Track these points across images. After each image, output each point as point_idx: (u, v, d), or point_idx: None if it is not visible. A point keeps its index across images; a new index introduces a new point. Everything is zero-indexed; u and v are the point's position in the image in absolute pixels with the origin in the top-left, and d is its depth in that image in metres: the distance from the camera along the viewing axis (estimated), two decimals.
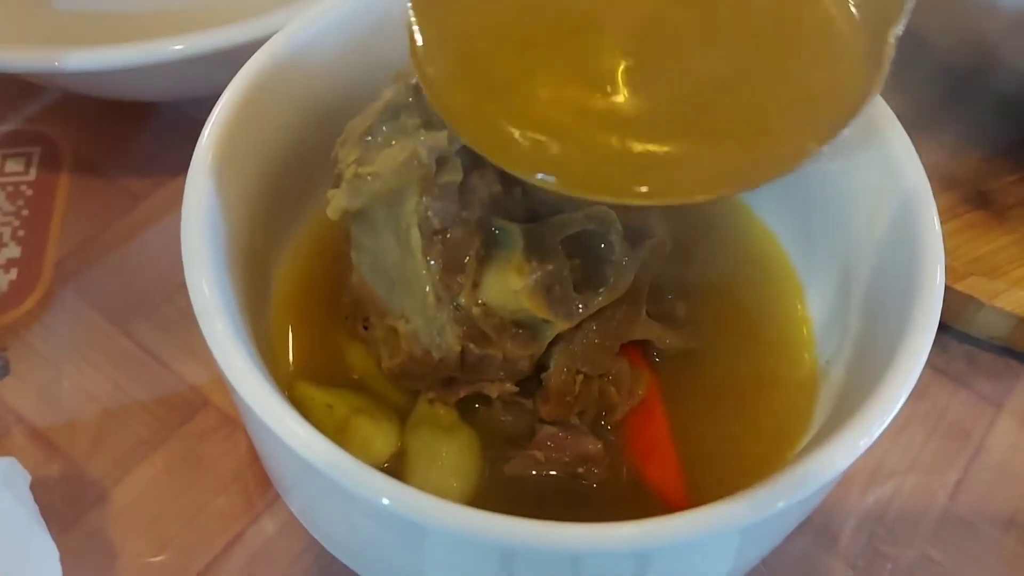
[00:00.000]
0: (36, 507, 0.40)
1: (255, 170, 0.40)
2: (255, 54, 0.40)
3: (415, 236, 0.36)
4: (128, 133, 0.57)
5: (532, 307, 0.36)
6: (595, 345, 0.39)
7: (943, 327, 0.50)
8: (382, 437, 0.39)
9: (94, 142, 0.56)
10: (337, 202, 0.37)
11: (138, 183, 0.55)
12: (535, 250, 0.37)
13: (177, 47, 0.44)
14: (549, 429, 0.38)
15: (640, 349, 0.41)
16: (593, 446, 0.38)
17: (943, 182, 0.55)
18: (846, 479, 0.46)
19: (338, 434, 0.38)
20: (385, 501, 0.31)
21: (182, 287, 0.49)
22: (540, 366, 0.39)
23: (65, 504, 0.43)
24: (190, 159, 0.55)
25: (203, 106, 0.56)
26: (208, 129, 0.38)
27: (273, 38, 0.40)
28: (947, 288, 0.48)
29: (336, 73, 0.43)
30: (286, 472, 0.36)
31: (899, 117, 0.56)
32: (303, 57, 0.41)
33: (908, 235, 0.38)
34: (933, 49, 0.56)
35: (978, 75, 0.55)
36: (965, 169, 0.55)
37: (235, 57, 0.43)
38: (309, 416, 0.33)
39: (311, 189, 0.43)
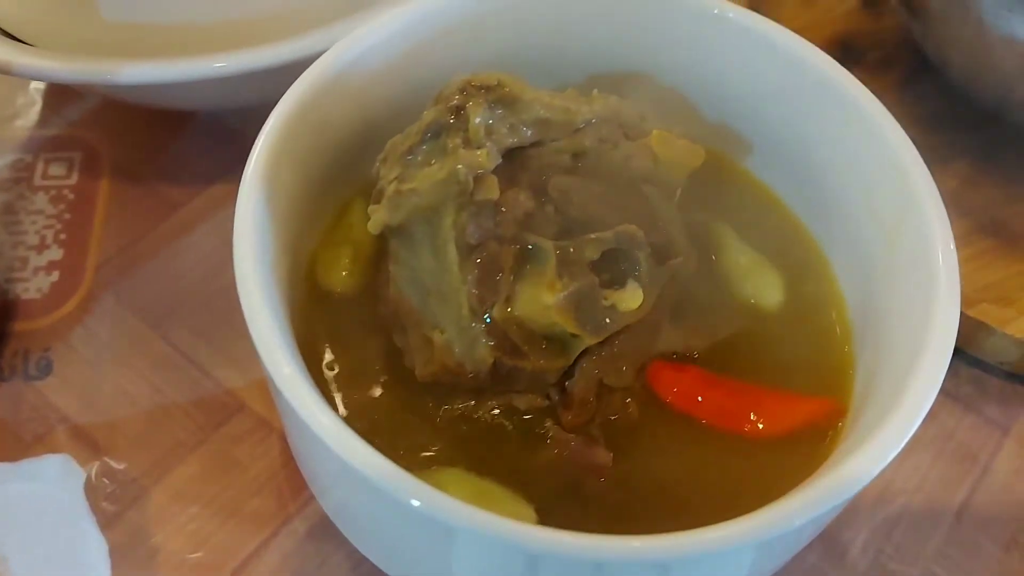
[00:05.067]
0: (87, 504, 0.41)
1: (301, 181, 0.42)
2: (303, 73, 0.41)
3: (452, 251, 0.38)
4: (166, 140, 0.58)
5: (562, 322, 0.38)
6: (620, 359, 0.41)
7: (955, 351, 0.52)
8: None
9: (133, 148, 0.58)
10: (378, 217, 0.39)
11: (175, 190, 0.56)
12: (566, 267, 0.39)
13: (225, 63, 0.45)
14: (563, 434, 0.40)
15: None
16: (604, 458, 0.39)
17: (958, 209, 0.56)
18: (856, 497, 0.47)
19: None
20: (415, 503, 0.32)
21: (218, 293, 0.52)
22: (565, 374, 0.41)
23: (107, 501, 0.45)
24: (226, 167, 0.57)
25: (241, 115, 0.59)
26: (260, 142, 0.40)
27: (321, 58, 0.42)
28: (960, 314, 0.50)
29: (379, 92, 0.44)
30: (323, 472, 0.38)
31: (917, 146, 0.58)
32: (348, 76, 0.43)
33: (926, 268, 0.39)
34: (953, 80, 0.58)
35: (996, 106, 0.56)
36: (980, 197, 0.57)
37: (280, 73, 0.44)
38: None
39: (351, 200, 0.45)
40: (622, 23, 0.47)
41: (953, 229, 0.55)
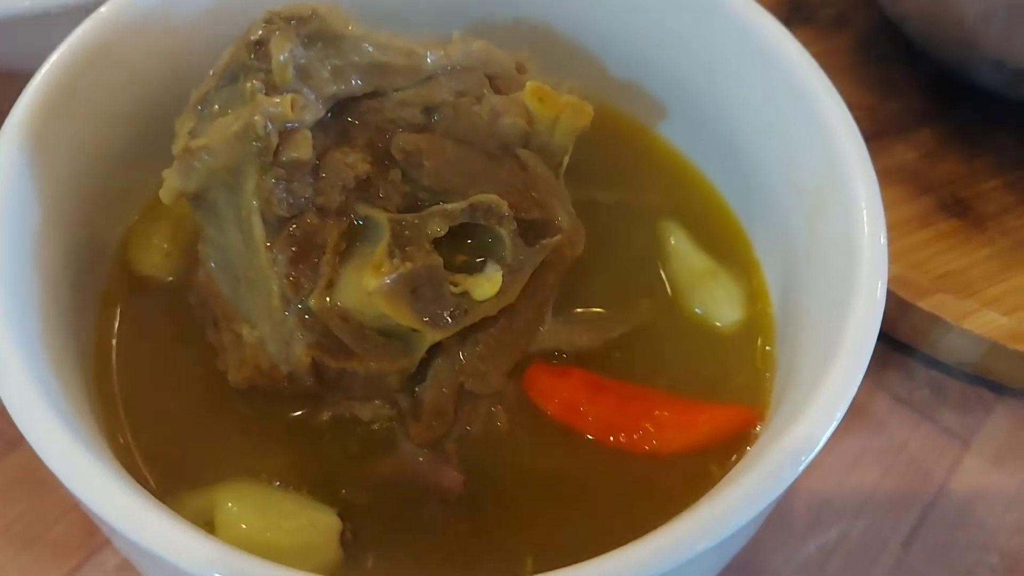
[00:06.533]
0: None
1: (95, 146, 0.35)
2: (93, 14, 0.34)
3: (257, 224, 0.31)
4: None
5: (391, 312, 0.30)
6: (486, 360, 0.34)
7: (908, 350, 0.45)
8: None
9: None
10: (170, 183, 0.31)
11: None
12: (402, 245, 0.31)
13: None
14: (410, 448, 0.33)
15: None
16: (451, 481, 0.32)
17: (917, 186, 0.49)
18: (785, 521, 0.40)
19: None
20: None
21: None
22: (416, 377, 0.33)
23: None
24: None
25: None
26: (23, 99, 0.32)
27: None
28: (911, 306, 0.43)
29: (205, 40, 0.37)
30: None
31: (871, 114, 0.51)
32: (159, 19, 0.35)
33: (847, 246, 0.32)
34: (912, 37, 0.51)
35: (958, 64, 0.49)
36: (943, 172, 0.49)
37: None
38: None
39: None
40: None
41: (911, 209, 0.48)
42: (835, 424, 0.28)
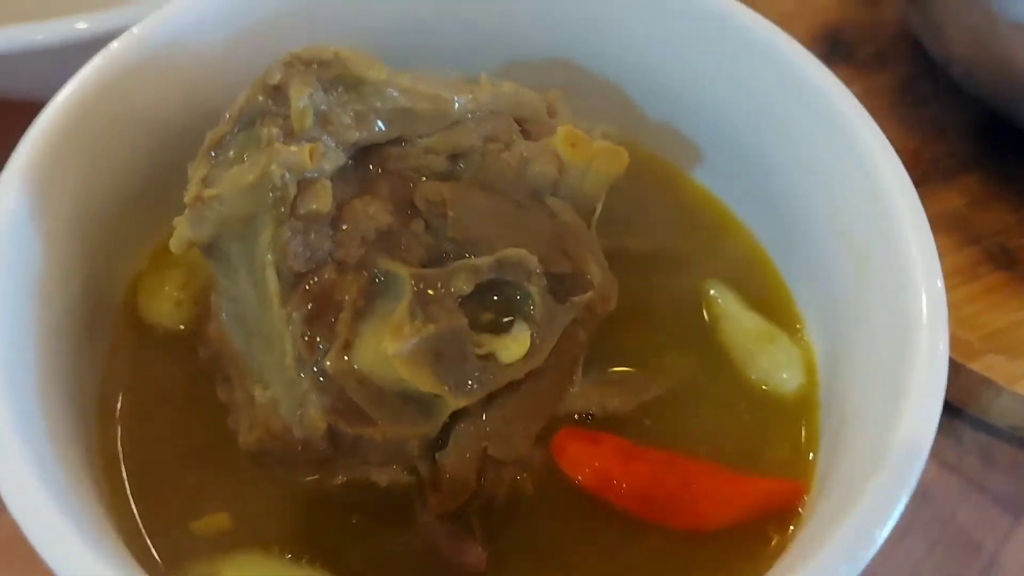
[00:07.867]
0: None
1: (102, 185, 0.33)
2: (100, 52, 0.32)
3: (272, 279, 0.29)
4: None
5: (411, 379, 0.28)
6: (510, 423, 0.31)
7: (956, 412, 0.43)
8: None
9: None
10: (180, 231, 0.30)
11: None
12: (427, 304, 0.29)
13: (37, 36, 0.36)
14: (430, 519, 0.30)
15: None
16: (474, 557, 0.30)
17: (963, 236, 0.47)
18: None
19: None
20: None
21: None
22: (437, 440, 0.31)
23: None
24: None
25: None
26: (29, 135, 0.31)
27: (128, 32, 0.33)
28: (960, 367, 0.41)
29: (221, 76, 0.35)
30: None
31: (914, 158, 0.49)
32: (170, 56, 0.34)
33: (902, 308, 0.30)
34: (957, 79, 0.48)
35: (1006, 109, 0.47)
36: (990, 220, 0.47)
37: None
38: None
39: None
40: None
41: (957, 260, 0.46)
42: (898, 513, 0.26)
